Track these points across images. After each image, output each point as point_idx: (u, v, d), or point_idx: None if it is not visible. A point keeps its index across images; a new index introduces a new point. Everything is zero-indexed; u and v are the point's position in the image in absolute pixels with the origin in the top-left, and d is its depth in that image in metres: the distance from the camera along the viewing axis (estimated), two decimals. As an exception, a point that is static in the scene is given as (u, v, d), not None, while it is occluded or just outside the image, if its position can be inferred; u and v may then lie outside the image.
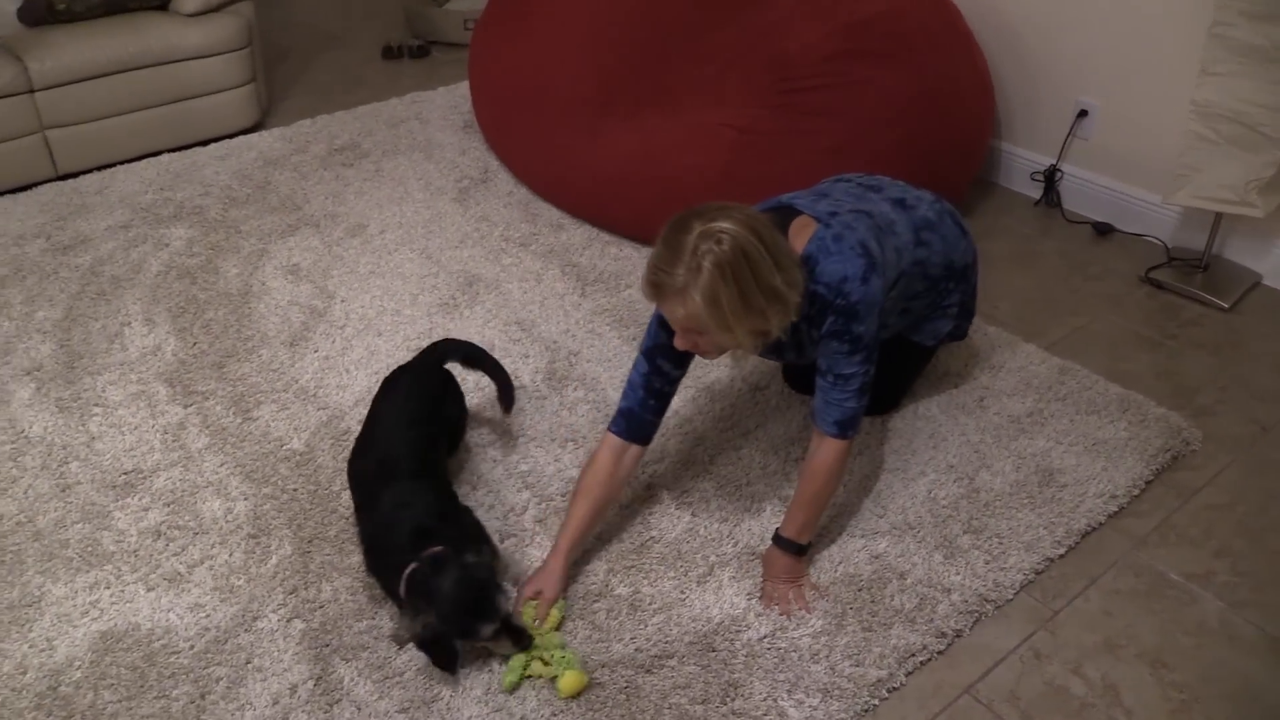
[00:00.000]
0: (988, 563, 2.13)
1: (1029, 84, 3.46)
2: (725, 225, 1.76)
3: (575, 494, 2.08)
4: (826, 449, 2.01)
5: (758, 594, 2.06)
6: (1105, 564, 2.17)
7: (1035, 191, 3.52)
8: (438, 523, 1.94)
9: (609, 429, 2.08)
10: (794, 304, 1.85)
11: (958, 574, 2.11)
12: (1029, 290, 3.05)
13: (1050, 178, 3.46)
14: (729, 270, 1.75)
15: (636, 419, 2.06)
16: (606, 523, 2.18)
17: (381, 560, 1.94)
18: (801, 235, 1.98)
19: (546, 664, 1.88)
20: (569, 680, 1.85)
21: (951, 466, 2.37)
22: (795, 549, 2.05)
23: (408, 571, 1.85)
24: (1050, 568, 2.15)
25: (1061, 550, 2.18)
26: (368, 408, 2.23)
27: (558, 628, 1.98)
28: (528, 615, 1.96)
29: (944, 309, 2.35)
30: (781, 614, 2.02)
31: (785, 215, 2.03)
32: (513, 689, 1.87)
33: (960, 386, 2.61)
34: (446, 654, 1.83)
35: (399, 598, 1.87)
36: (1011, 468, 2.37)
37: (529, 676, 1.89)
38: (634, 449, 2.08)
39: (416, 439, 2.10)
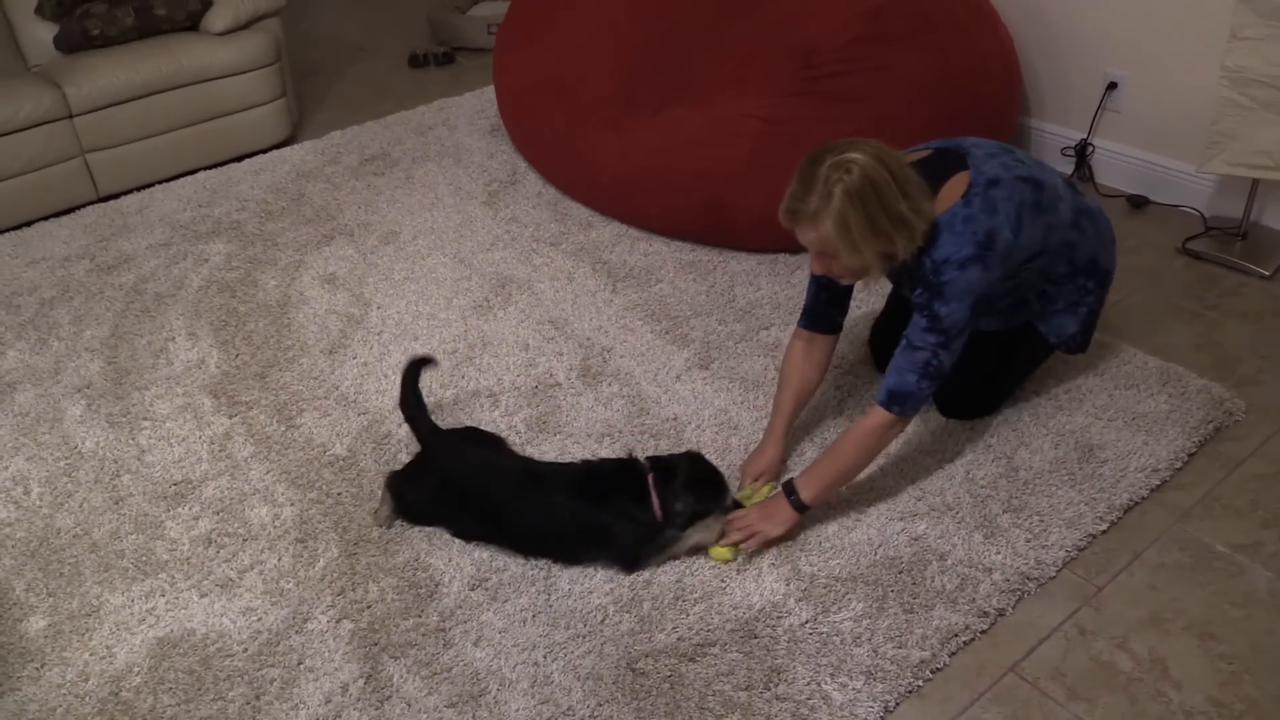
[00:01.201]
0: (1029, 541, 2.12)
1: (1056, 58, 3.43)
2: (855, 156, 1.87)
3: (778, 386, 2.31)
4: (869, 416, 2.07)
5: (797, 579, 2.07)
6: (1149, 538, 2.15)
7: (1067, 166, 3.48)
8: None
9: (797, 324, 2.29)
10: (920, 230, 1.95)
11: (999, 553, 2.10)
12: (1063, 266, 3.02)
13: (1081, 152, 3.42)
14: (857, 197, 1.87)
15: (813, 313, 2.25)
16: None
17: (606, 499, 2.10)
18: (948, 198, 2.02)
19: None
20: (722, 551, 2.11)
21: (989, 446, 2.36)
22: (795, 502, 2.08)
23: (651, 479, 2.09)
24: (1093, 544, 2.14)
25: (1104, 526, 2.16)
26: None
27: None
28: (744, 496, 2.21)
29: (1075, 306, 2.32)
30: (740, 539, 2.09)
31: (953, 162, 2.07)
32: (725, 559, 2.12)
33: (996, 366, 2.60)
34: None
35: (636, 518, 2.08)
36: (1050, 445, 2.35)
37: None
38: (820, 338, 2.27)
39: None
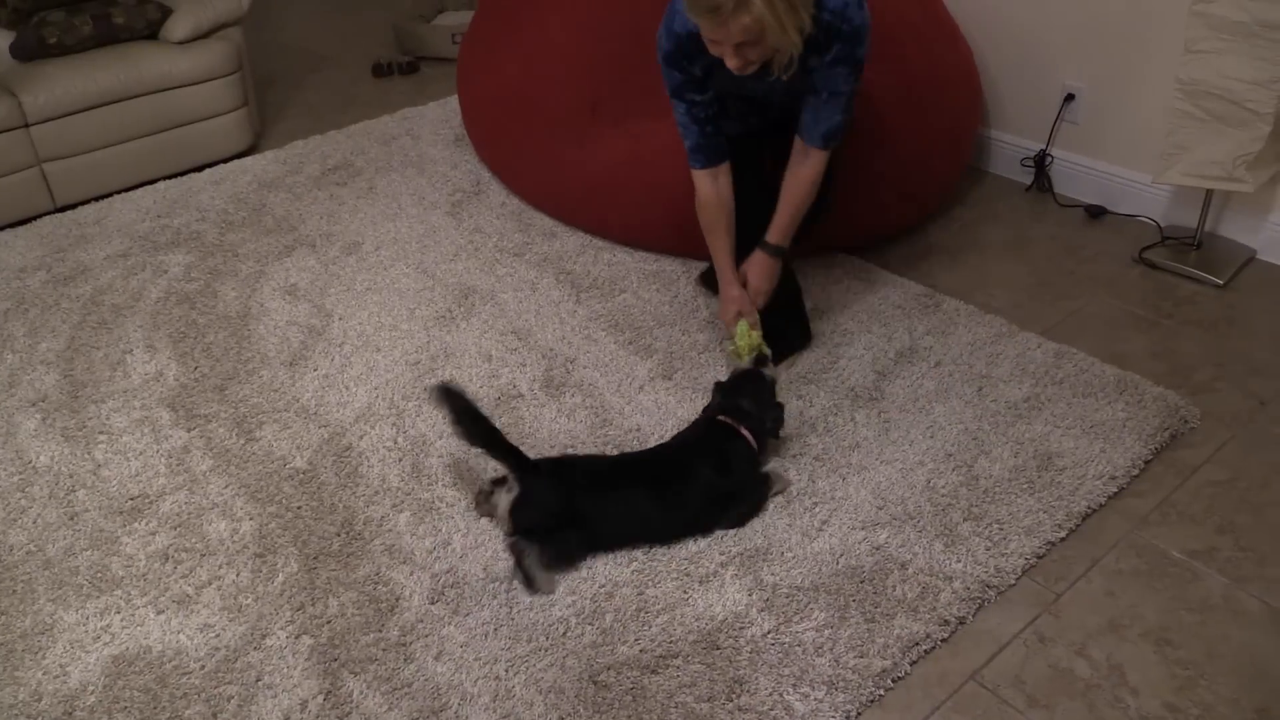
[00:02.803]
0: (989, 549, 2.14)
1: (1015, 70, 3.47)
2: None
3: (707, 232, 2.49)
4: (813, 160, 2.34)
5: (759, 589, 2.07)
6: (1107, 545, 2.18)
7: (1026, 177, 3.53)
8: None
9: (692, 167, 2.44)
10: None
11: (959, 561, 2.12)
12: (1023, 276, 3.06)
13: (1040, 163, 3.47)
14: None
15: (705, 147, 2.40)
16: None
17: (729, 462, 2.25)
18: None
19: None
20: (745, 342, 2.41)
21: (950, 455, 2.38)
22: (776, 251, 2.44)
23: (723, 415, 2.29)
24: (1052, 551, 2.16)
25: (1062, 533, 2.19)
26: (371, 425, 2.23)
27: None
28: (742, 333, 2.41)
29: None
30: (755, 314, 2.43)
31: None
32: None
33: (956, 375, 2.62)
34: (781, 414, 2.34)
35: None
36: (1010, 453, 2.37)
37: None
38: (721, 169, 2.44)
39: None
